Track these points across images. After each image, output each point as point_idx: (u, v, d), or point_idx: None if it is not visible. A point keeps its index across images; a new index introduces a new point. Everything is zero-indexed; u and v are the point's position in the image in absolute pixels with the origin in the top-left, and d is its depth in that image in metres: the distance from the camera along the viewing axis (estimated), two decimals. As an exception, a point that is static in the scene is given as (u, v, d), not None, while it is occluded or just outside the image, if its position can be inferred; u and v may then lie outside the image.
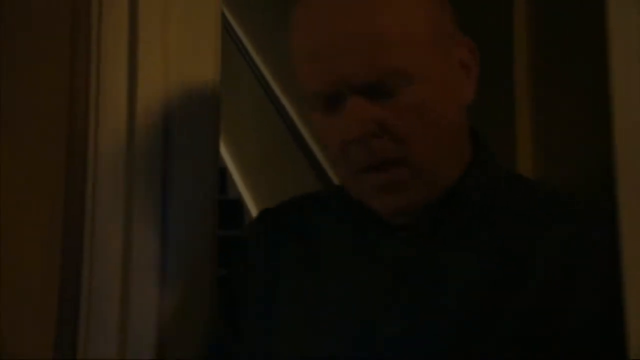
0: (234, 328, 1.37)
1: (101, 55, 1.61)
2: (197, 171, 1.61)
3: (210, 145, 1.63)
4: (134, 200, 1.58)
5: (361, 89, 1.17)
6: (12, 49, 1.59)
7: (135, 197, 1.58)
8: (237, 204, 4.75)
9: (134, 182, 1.59)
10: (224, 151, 4.99)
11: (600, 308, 1.16)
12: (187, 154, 1.61)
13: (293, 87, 3.97)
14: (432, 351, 1.19)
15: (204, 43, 1.65)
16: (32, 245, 1.58)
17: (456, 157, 1.26)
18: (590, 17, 1.84)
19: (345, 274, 1.28)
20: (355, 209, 1.28)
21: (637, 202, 1.01)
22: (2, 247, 1.55)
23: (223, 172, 4.82)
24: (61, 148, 1.60)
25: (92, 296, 1.57)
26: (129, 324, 1.55)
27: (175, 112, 1.62)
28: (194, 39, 1.64)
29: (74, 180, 1.61)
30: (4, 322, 1.57)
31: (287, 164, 4.10)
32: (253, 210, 4.63)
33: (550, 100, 2.15)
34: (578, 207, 1.26)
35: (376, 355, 1.22)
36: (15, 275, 1.57)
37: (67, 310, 1.58)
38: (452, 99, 1.23)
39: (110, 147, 1.59)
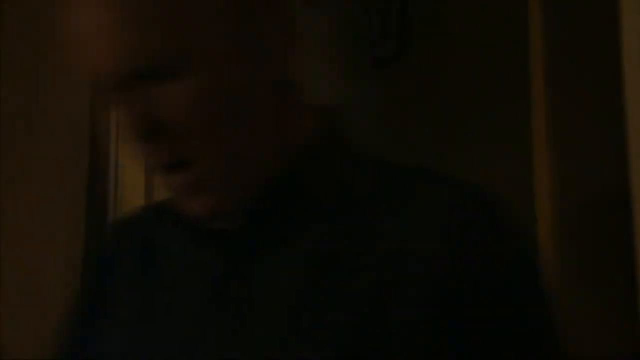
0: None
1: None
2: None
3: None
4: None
5: (131, 77, 0.98)
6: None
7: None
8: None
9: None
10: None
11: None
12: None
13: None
14: None
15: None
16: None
17: (276, 143, 1.05)
18: (603, 27, 1.84)
19: (173, 290, 1.11)
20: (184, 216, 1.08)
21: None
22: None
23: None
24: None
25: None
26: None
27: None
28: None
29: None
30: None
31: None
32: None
33: (566, 109, 2.16)
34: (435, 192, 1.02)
35: None
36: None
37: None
38: (248, 79, 1.01)
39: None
